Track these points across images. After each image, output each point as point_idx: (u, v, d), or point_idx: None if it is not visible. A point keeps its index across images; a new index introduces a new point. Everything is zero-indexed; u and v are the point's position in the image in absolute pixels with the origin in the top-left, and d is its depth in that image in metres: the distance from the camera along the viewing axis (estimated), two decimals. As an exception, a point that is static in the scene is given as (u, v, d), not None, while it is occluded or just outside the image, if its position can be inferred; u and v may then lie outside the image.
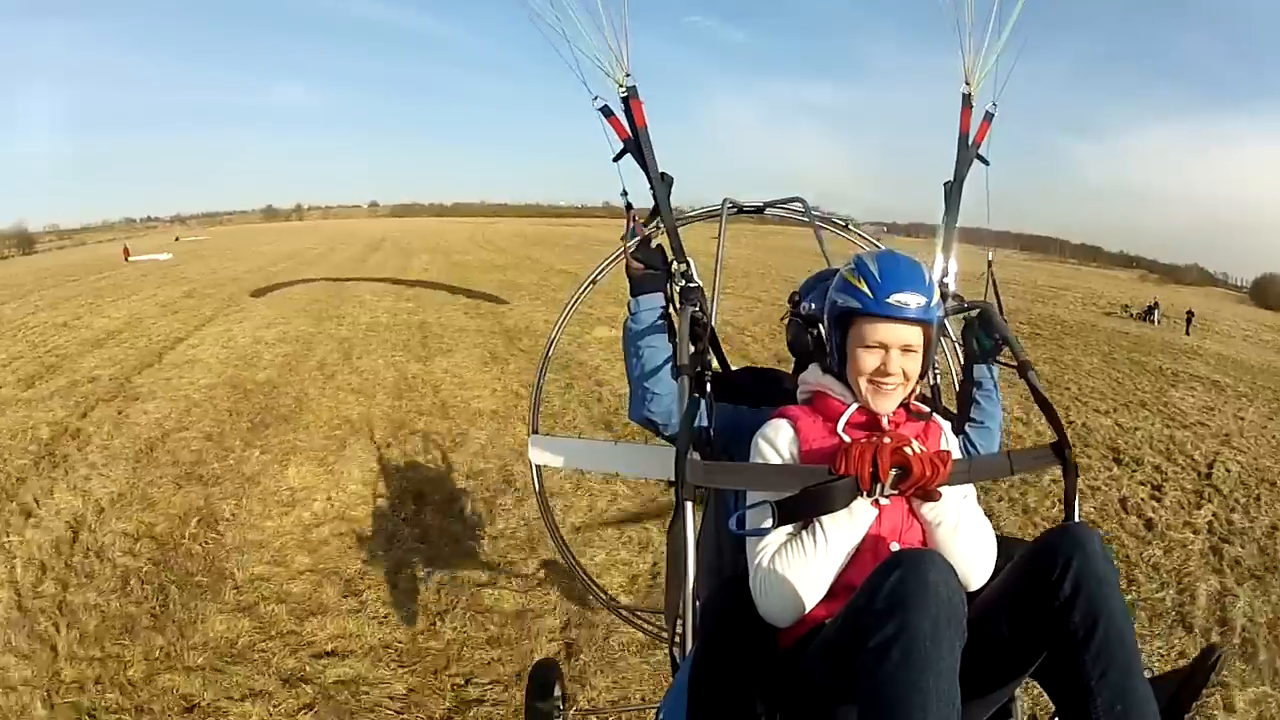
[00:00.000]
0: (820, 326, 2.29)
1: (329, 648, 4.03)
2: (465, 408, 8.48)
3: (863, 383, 1.91)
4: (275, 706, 3.56)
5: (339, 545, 5.13)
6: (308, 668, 3.85)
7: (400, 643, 4.13)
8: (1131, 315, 23.76)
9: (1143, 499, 6.81)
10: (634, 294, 2.30)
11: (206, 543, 5.24)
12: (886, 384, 1.90)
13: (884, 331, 1.88)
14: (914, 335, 1.90)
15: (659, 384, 2.25)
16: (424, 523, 5.45)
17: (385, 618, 4.33)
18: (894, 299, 1.85)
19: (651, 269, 2.30)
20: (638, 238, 2.34)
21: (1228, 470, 8.02)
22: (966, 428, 2.36)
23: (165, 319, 14.92)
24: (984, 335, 2.33)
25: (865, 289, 1.88)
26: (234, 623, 4.17)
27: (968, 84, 2.61)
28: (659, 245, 2.35)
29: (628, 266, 2.32)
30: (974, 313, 2.39)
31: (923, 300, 1.87)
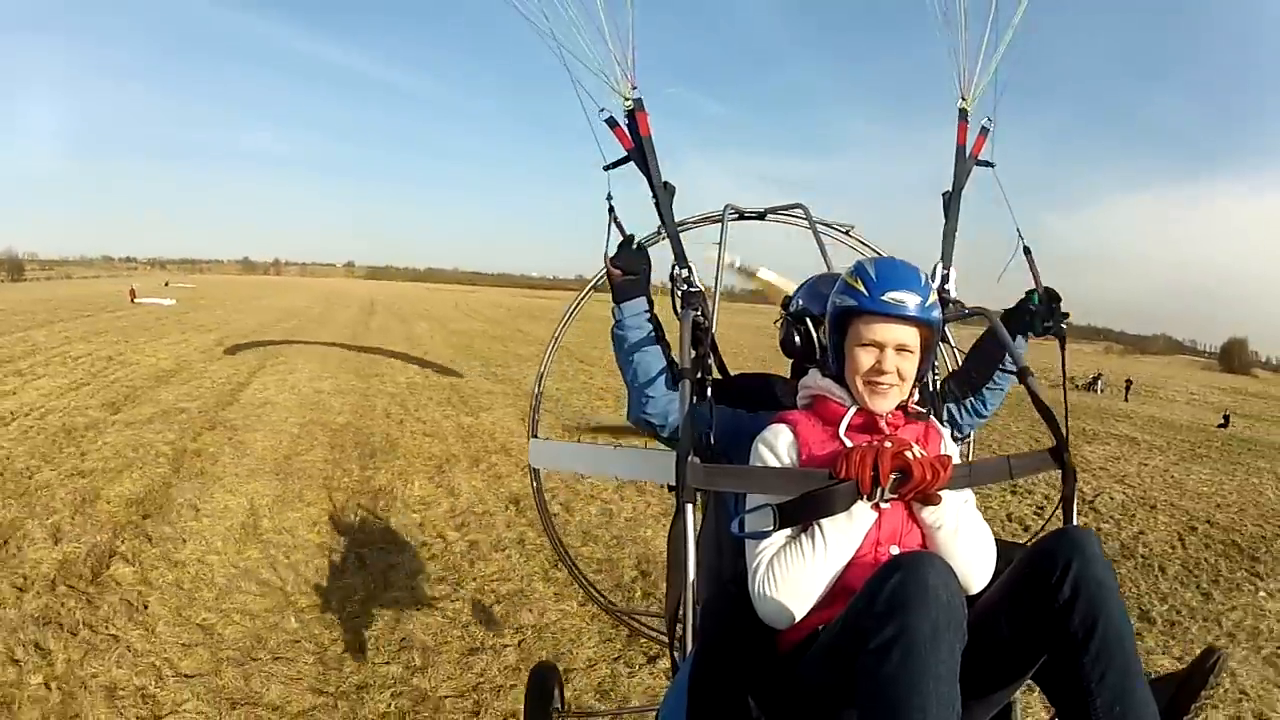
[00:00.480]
0: (807, 324, 2.41)
1: (493, 572, 5.75)
2: (522, 449, 9.94)
3: (859, 382, 1.94)
4: (449, 618, 4.97)
5: (478, 524, 6.80)
6: (484, 592, 5.42)
7: (553, 574, 5.66)
8: (1077, 386, 25.70)
9: (1025, 513, 8.32)
10: (616, 301, 2.33)
11: (378, 517, 6.75)
12: (882, 383, 1.92)
13: (879, 330, 1.91)
14: (910, 335, 1.92)
15: (655, 389, 2.27)
16: (527, 516, 7.02)
17: (532, 554, 6.08)
18: (889, 297, 1.88)
19: (631, 274, 2.32)
20: (619, 240, 2.37)
21: (1111, 499, 9.58)
22: (984, 389, 2.46)
23: (214, 364, 15.75)
24: (1048, 312, 2.42)
25: (861, 288, 1.91)
26: (419, 566, 5.79)
27: (964, 99, 2.68)
28: (640, 245, 2.37)
29: (609, 274, 2.34)
30: (970, 317, 2.51)
31: (918, 299, 1.90)
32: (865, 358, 1.93)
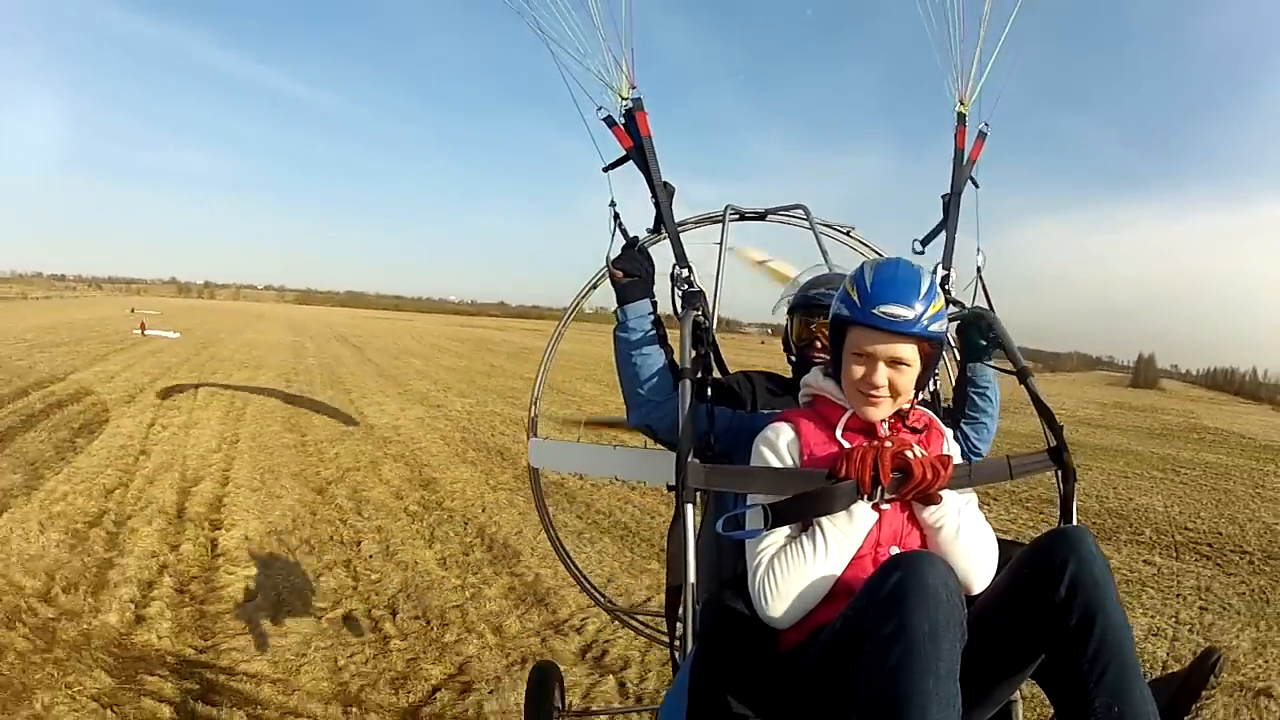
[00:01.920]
0: (794, 321, 2.45)
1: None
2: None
3: (851, 390, 1.87)
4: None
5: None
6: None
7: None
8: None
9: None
10: (620, 303, 2.27)
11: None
12: (873, 395, 1.84)
13: (872, 343, 1.81)
14: (905, 350, 1.82)
15: (656, 391, 2.22)
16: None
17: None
18: (881, 310, 1.78)
19: (634, 276, 2.27)
20: (622, 243, 2.32)
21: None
22: (963, 424, 2.33)
23: (281, 399, 15.20)
24: (978, 334, 2.33)
25: (855, 297, 1.82)
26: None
27: (961, 103, 2.63)
28: (643, 248, 2.32)
29: (611, 276, 2.29)
30: (969, 317, 2.40)
31: (914, 313, 1.79)
32: (857, 369, 1.84)
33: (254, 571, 5.57)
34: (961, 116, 2.63)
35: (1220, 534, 8.27)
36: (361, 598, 5.18)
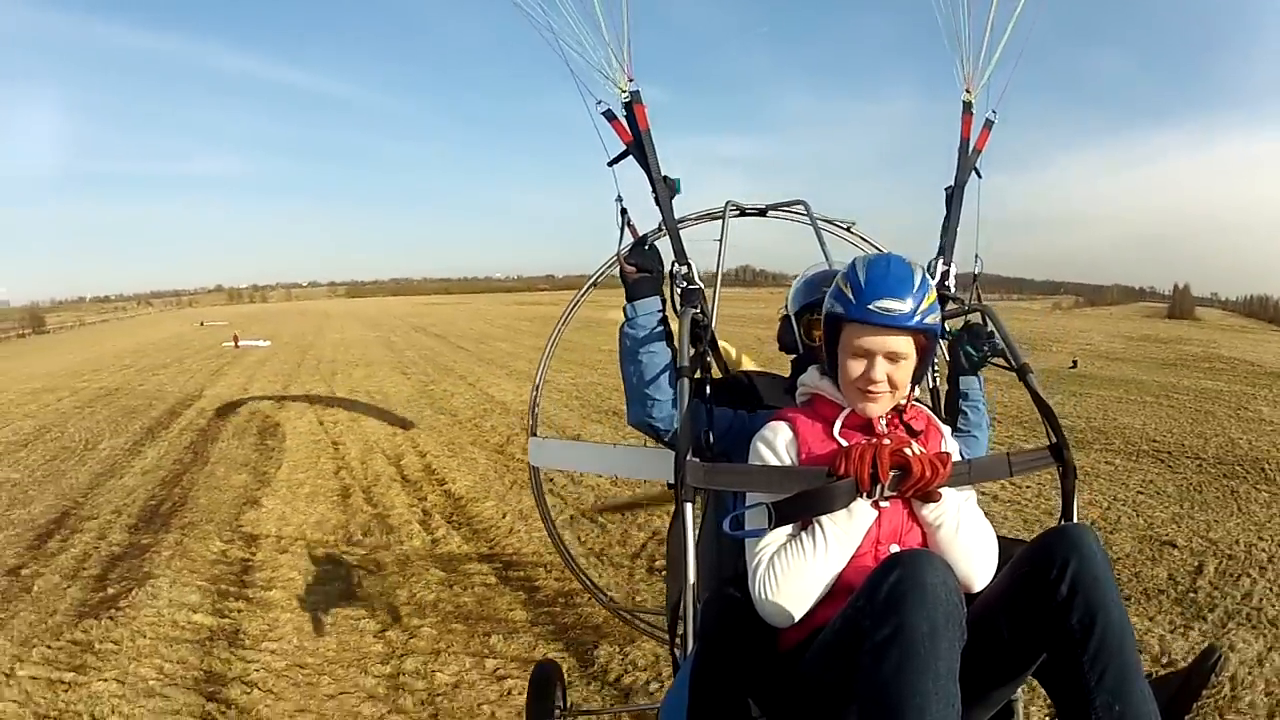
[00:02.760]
0: (792, 321, 2.47)
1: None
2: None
3: (849, 387, 1.90)
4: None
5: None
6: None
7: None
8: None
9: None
10: (630, 299, 2.30)
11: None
12: (872, 391, 1.87)
13: (868, 338, 1.85)
14: (901, 343, 1.86)
15: (659, 390, 2.25)
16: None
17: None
18: (876, 305, 1.81)
19: (646, 272, 2.29)
20: (631, 240, 2.35)
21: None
22: (953, 436, 2.30)
23: (414, 387, 16.31)
24: (972, 347, 2.34)
25: (849, 294, 1.85)
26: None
27: (968, 92, 2.64)
28: (653, 246, 2.34)
29: (622, 271, 2.32)
30: (972, 315, 2.46)
31: (909, 307, 1.82)
32: (855, 365, 1.88)
33: (492, 504, 7.24)
34: (968, 105, 2.64)
35: (1183, 445, 9.33)
36: (568, 506, 7.11)
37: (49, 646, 4.54)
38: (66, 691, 4.04)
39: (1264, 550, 5.77)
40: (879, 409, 1.93)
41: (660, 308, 2.32)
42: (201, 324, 54.43)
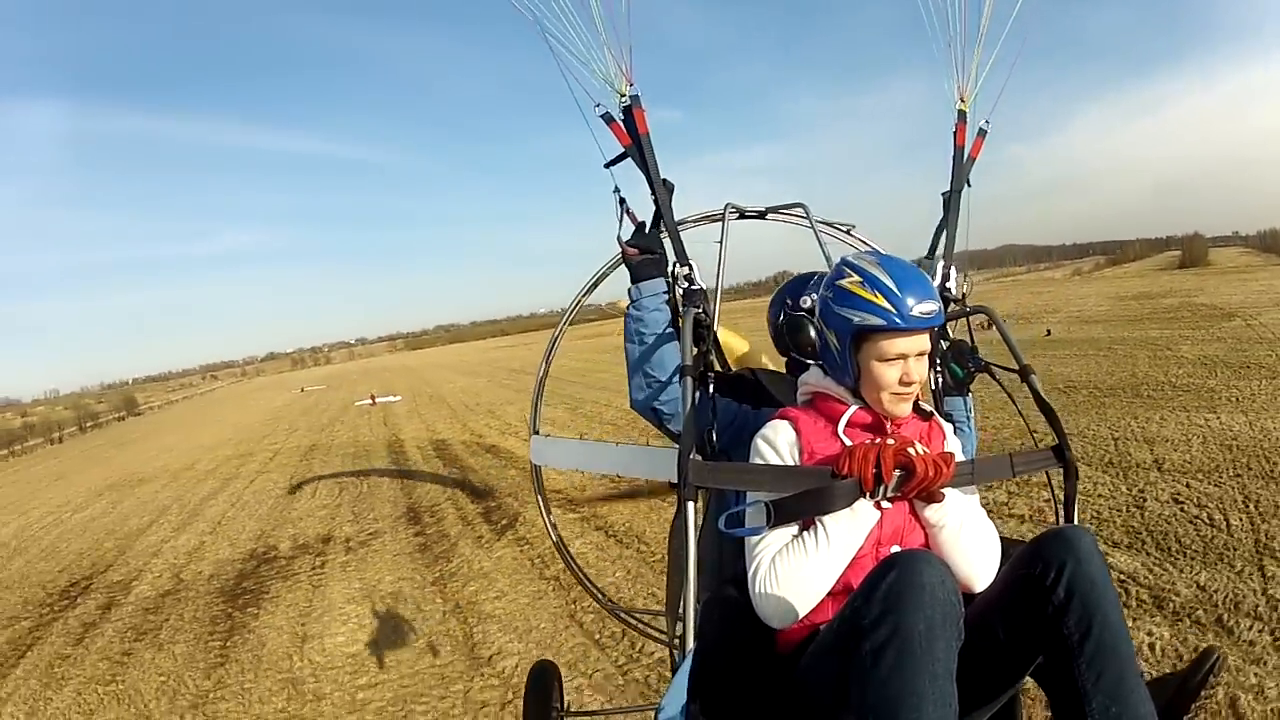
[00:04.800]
0: (821, 332, 2.21)
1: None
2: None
3: (884, 395, 1.86)
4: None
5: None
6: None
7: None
8: (983, 326, 27.79)
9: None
10: (634, 280, 2.31)
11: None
12: (908, 392, 1.87)
13: (904, 344, 1.83)
14: (927, 341, 1.88)
15: (663, 371, 2.25)
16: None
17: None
18: (918, 311, 1.79)
19: (648, 254, 2.30)
20: (631, 225, 2.36)
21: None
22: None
23: (566, 412, 16.98)
24: (957, 365, 2.36)
25: (886, 304, 1.80)
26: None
27: (962, 101, 2.68)
28: (654, 230, 2.35)
29: (624, 254, 2.33)
30: (959, 327, 2.47)
31: (937, 306, 1.84)
32: (891, 372, 1.85)
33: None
34: (962, 114, 2.67)
35: (1091, 382, 11.61)
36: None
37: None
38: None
39: (1102, 431, 8.74)
40: (908, 408, 1.90)
41: (664, 289, 2.31)
42: (302, 390, 54.35)
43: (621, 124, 2.35)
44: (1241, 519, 5.54)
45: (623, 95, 2.32)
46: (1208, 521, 5.59)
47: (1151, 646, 4.17)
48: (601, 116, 2.35)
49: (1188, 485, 6.44)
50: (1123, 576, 4.98)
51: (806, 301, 2.57)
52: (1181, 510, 5.92)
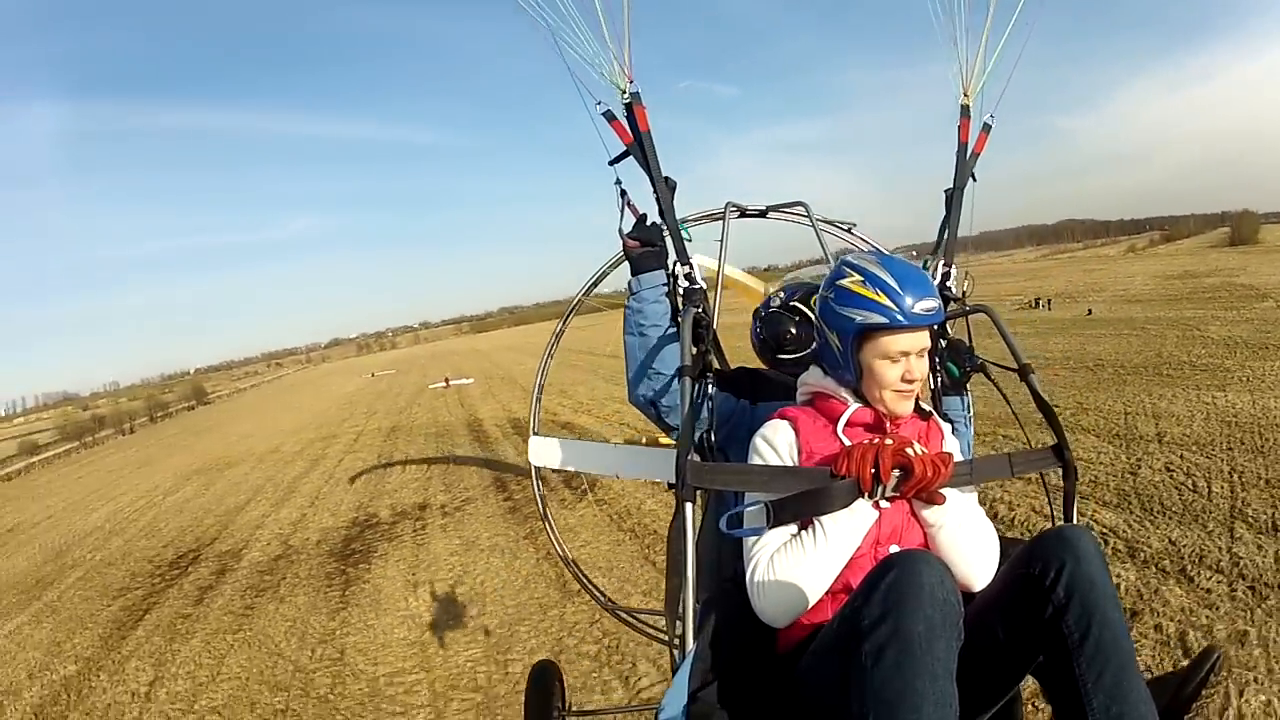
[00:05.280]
0: (822, 331, 2.30)
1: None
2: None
3: (887, 394, 1.87)
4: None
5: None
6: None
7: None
8: (1030, 305, 25.81)
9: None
10: (634, 273, 2.31)
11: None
12: (910, 389, 1.88)
13: (907, 341, 1.84)
14: (928, 338, 1.90)
15: (662, 363, 2.26)
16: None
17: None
18: (920, 309, 1.80)
19: (649, 246, 2.31)
20: (632, 218, 2.36)
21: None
22: None
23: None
24: (954, 364, 2.36)
25: (889, 303, 1.81)
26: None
27: (965, 95, 2.67)
28: (654, 223, 2.35)
29: (625, 246, 2.34)
30: (957, 325, 2.48)
31: (937, 302, 1.85)
32: (893, 370, 1.85)
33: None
34: (965, 109, 2.66)
35: (1117, 360, 12.54)
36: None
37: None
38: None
39: (1116, 406, 9.62)
40: (910, 405, 1.91)
41: (664, 281, 2.31)
42: (373, 375, 54.97)
43: (623, 121, 2.34)
44: (1223, 487, 6.26)
45: (624, 92, 2.31)
46: (1191, 488, 6.36)
47: (1117, 586, 4.83)
48: (604, 114, 2.35)
49: (1181, 456, 7.17)
50: (1104, 530, 5.74)
51: (774, 301, 2.61)
52: (1170, 477, 6.65)
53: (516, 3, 2.32)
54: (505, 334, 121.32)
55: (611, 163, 2.36)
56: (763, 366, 2.63)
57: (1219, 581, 4.73)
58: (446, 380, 32.02)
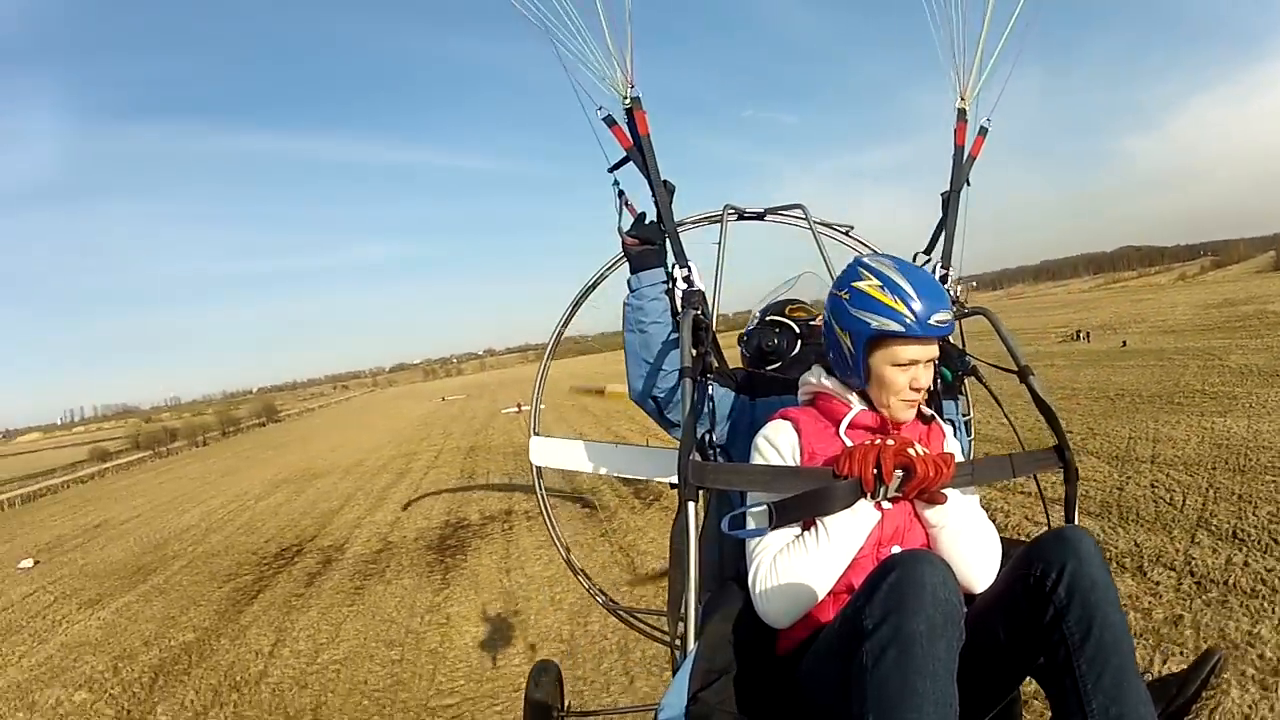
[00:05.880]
0: (787, 323, 2.51)
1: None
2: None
3: (893, 400, 1.88)
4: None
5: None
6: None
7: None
8: (1071, 338, 26.55)
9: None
10: (633, 270, 2.33)
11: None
12: (916, 398, 1.90)
13: (918, 350, 1.85)
14: (938, 348, 1.91)
15: (662, 358, 2.28)
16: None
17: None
18: (935, 320, 1.81)
19: (647, 244, 2.33)
20: (630, 217, 2.38)
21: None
22: None
23: None
24: (947, 369, 2.37)
25: (906, 311, 1.81)
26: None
27: (962, 99, 2.69)
28: (653, 221, 2.37)
29: (624, 244, 2.36)
30: (969, 316, 2.53)
31: (950, 313, 1.85)
32: (902, 377, 1.87)
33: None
34: (962, 113, 2.68)
35: (1137, 389, 13.42)
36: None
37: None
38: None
39: (1122, 431, 10.41)
40: (914, 412, 1.93)
41: (664, 279, 2.33)
42: (444, 399, 56.52)
43: (624, 126, 2.37)
44: (1196, 500, 7.04)
45: (625, 97, 2.34)
46: (1168, 501, 7.16)
47: None
48: (604, 119, 2.37)
49: (1167, 475, 8.04)
50: None
51: (753, 321, 2.74)
52: (1152, 492, 7.48)
53: (518, 11, 2.35)
54: (571, 362, 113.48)
55: (611, 169, 2.42)
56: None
57: (1169, 576, 5.50)
58: (519, 406, 32.70)
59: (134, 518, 19.80)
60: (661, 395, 2.32)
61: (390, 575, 9.51)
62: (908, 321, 1.82)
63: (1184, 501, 7.11)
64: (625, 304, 2.35)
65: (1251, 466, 7.87)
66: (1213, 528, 6.34)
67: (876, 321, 1.85)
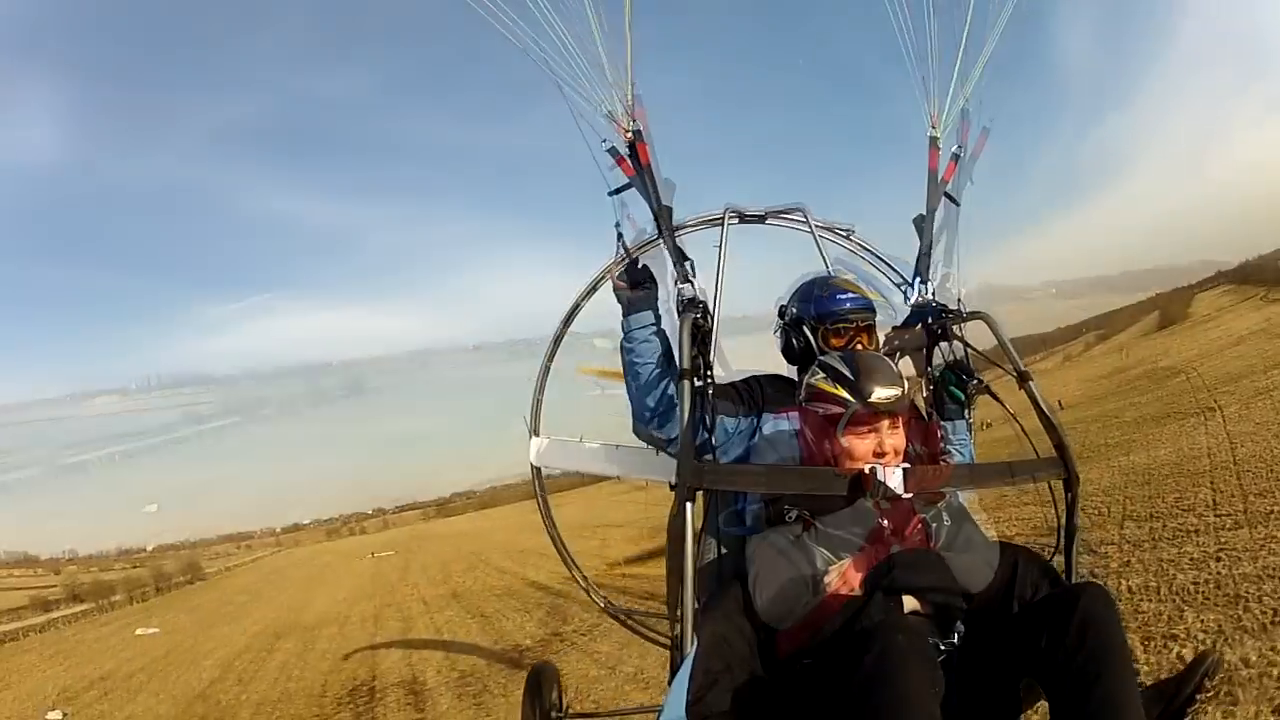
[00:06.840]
0: (804, 330, 2.52)
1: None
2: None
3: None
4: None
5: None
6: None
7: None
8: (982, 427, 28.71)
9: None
10: (625, 315, 2.43)
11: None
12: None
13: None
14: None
15: (661, 401, 2.37)
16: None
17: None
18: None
19: (638, 288, 2.43)
20: (624, 260, 2.49)
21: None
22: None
23: None
24: (957, 388, 2.42)
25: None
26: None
27: (934, 128, 2.79)
28: (644, 267, 2.47)
29: (615, 289, 2.46)
30: (969, 319, 2.50)
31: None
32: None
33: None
34: (934, 140, 2.79)
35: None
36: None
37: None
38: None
39: (1043, 485, 12.31)
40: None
41: (654, 321, 2.44)
42: (373, 555, 54.09)
43: (627, 157, 2.49)
44: (1118, 504, 9.50)
45: (627, 130, 2.46)
46: (1096, 511, 9.45)
47: (1042, 550, 6.39)
48: (609, 151, 2.49)
49: (1090, 499, 9.95)
50: (1035, 527, 7.53)
51: (789, 312, 2.71)
52: (1084, 513, 9.44)
53: (528, 56, 2.43)
54: (474, 517, 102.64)
55: (612, 194, 2.53)
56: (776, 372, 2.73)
57: (1111, 548, 7.53)
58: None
59: (138, 670, 19.12)
60: (660, 433, 2.44)
61: (496, 690, 9.93)
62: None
63: (1109, 509, 9.50)
64: (620, 346, 2.49)
65: (1153, 478, 10.52)
66: (1136, 518, 8.69)
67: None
